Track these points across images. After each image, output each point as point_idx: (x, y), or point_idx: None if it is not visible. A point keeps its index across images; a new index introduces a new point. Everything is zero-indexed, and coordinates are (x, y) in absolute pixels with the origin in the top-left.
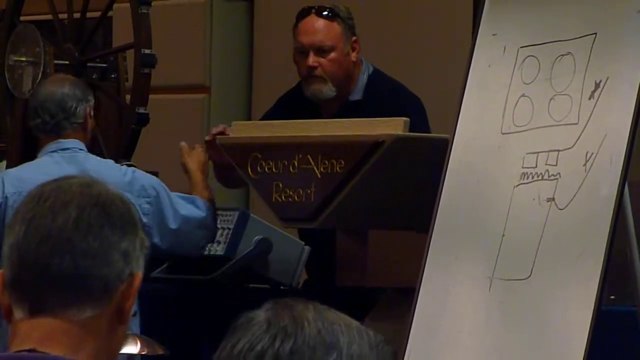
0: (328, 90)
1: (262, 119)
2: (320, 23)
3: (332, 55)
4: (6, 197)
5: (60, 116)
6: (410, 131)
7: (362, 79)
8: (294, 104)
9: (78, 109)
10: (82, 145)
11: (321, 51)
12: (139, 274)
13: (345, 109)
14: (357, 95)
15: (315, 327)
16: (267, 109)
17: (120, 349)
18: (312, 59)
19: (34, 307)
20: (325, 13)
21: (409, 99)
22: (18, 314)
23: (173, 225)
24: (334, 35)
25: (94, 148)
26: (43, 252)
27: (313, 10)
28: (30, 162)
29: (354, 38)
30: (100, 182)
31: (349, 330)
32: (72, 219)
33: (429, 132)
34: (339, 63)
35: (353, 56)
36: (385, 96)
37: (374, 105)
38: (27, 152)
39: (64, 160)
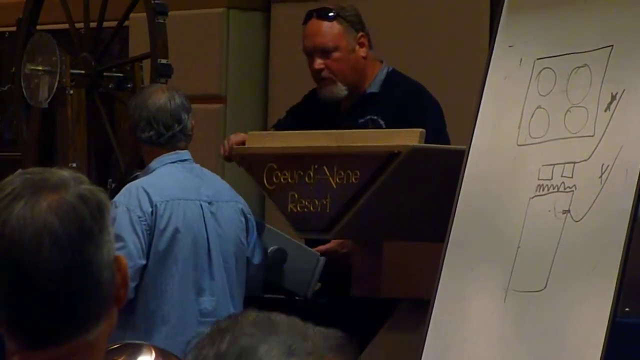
0: (339, 90)
1: (275, 126)
2: (320, 25)
3: (336, 54)
4: (156, 206)
5: (175, 128)
6: (430, 132)
7: (381, 74)
8: (310, 108)
9: (188, 120)
10: (191, 157)
11: (325, 52)
12: (119, 257)
13: (362, 101)
14: (374, 88)
15: (249, 320)
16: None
17: (113, 328)
18: (317, 62)
19: (34, 343)
20: (324, 15)
21: (430, 100)
22: (12, 345)
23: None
24: (334, 35)
25: (110, 158)
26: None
27: (314, 14)
28: (156, 172)
29: (359, 34)
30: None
31: (270, 335)
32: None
33: (447, 136)
34: (345, 61)
35: (362, 52)
36: (405, 91)
37: (392, 98)
38: (43, 162)
39: (185, 171)
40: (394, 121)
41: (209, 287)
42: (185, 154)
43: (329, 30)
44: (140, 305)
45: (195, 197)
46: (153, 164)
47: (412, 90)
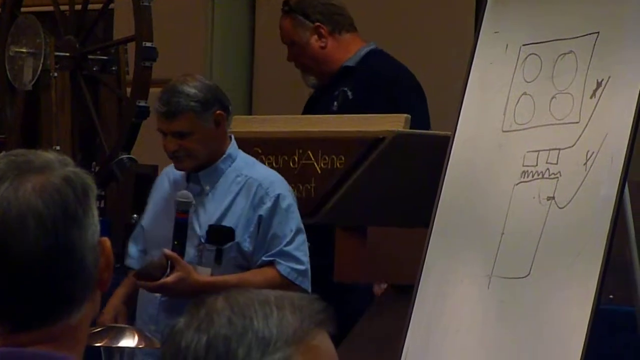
0: (308, 80)
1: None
2: (281, 22)
3: (294, 48)
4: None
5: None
6: (403, 111)
7: (362, 50)
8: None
9: None
10: None
11: (290, 45)
12: (103, 239)
13: (338, 74)
14: (351, 62)
15: (224, 316)
16: (267, 104)
17: (96, 311)
18: (288, 54)
19: (16, 326)
20: (282, 10)
21: (410, 78)
22: None
23: None
24: (287, 31)
25: (94, 141)
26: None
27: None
28: (251, 160)
29: (315, 24)
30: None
31: (264, 306)
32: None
33: (427, 115)
34: (301, 53)
35: (320, 42)
36: (384, 67)
37: (367, 72)
38: (27, 144)
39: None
40: (365, 95)
41: None
42: None
43: (283, 26)
44: None
45: None
46: (232, 151)
47: (393, 68)
